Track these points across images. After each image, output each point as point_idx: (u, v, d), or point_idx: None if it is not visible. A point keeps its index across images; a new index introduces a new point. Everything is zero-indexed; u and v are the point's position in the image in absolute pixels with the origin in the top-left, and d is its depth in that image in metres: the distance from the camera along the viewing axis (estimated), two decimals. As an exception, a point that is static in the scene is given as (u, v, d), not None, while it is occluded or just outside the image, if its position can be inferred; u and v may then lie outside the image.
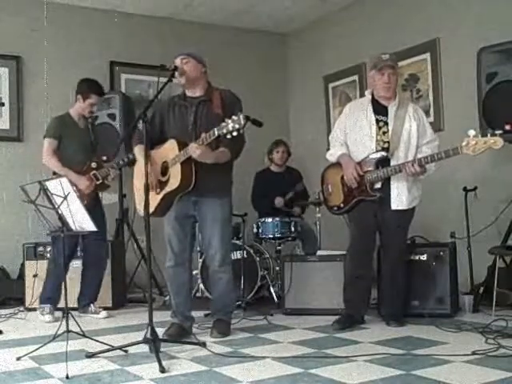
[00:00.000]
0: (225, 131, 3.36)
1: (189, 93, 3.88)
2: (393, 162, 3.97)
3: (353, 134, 4.13)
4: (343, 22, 6.41)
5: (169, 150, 3.73)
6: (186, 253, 3.90)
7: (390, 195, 4.01)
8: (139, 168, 3.84)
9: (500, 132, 3.54)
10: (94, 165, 4.69)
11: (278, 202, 5.60)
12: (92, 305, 4.74)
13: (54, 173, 4.59)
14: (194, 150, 3.53)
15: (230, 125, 3.32)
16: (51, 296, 4.61)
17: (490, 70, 4.31)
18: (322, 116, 6.72)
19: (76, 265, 4.98)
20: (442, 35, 5.37)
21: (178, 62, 3.78)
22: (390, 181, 4.01)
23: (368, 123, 4.07)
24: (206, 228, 3.84)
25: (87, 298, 4.77)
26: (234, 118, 3.33)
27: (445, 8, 5.35)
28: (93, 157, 4.76)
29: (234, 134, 3.34)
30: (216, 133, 3.42)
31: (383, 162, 3.99)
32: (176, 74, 3.72)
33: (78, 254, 4.86)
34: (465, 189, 4.82)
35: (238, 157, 3.85)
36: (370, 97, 4.17)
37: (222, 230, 3.82)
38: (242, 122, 3.30)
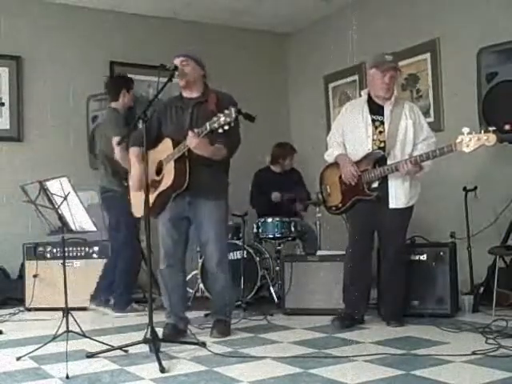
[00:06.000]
0: (216, 125, 3.36)
1: (186, 94, 3.89)
2: (389, 161, 3.98)
3: (350, 135, 4.14)
4: (343, 22, 6.40)
5: (164, 149, 3.73)
6: (179, 254, 3.88)
7: (387, 194, 4.02)
8: (134, 171, 3.86)
9: (493, 128, 3.53)
10: None
11: (275, 196, 5.59)
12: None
13: None
14: (191, 139, 3.52)
15: (222, 118, 3.33)
16: None
17: (490, 69, 4.31)
18: (322, 116, 6.71)
19: (77, 265, 5.01)
20: (441, 35, 5.37)
21: (177, 63, 3.78)
22: (387, 180, 4.01)
23: (364, 123, 4.08)
24: (201, 229, 3.83)
25: None
26: (225, 111, 3.34)
27: (445, 8, 5.35)
28: None
29: (226, 127, 3.35)
30: (208, 127, 3.43)
31: (380, 161, 4.00)
32: (176, 74, 3.72)
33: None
34: (465, 189, 4.82)
35: (233, 155, 3.84)
36: (366, 97, 4.17)
37: (217, 230, 3.81)
38: (233, 115, 3.31)
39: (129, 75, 5.20)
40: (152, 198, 3.71)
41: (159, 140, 3.81)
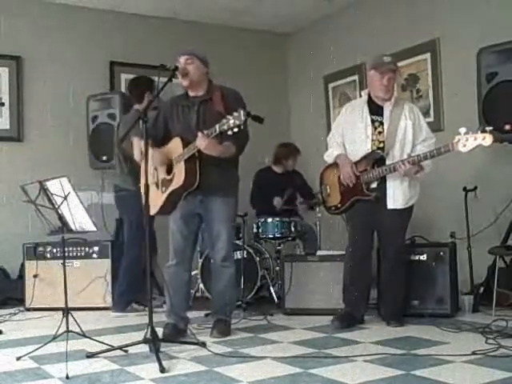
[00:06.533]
0: (226, 127, 3.38)
1: (191, 92, 3.89)
2: (388, 162, 3.98)
3: (349, 135, 4.15)
4: (343, 22, 6.41)
5: (173, 148, 3.76)
6: (188, 252, 3.90)
7: (385, 195, 4.02)
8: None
9: (490, 128, 3.52)
10: None
11: (277, 202, 5.58)
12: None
13: None
14: (201, 140, 3.53)
15: (231, 121, 3.35)
16: None
17: (490, 69, 4.31)
18: (322, 116, 6.71)
19: (77, 265, 5.01)
20: (441, 35, 5.36)
21: (182, 61, 3.78)
22: (386, 180, 4.01)
23: (364, 124, 4.08)
24: (213, 224, 3.85)
25: None
26: (234, 114, 3.35)
27: (445, 8, 5.35)
28: None
29: (235, 130, 3.36)
30: (217, 129, 3.44)
31: (379, 162, 4.00)
32: (177, 74, 3.72)
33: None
34: (465, 189, 4.82)
35: (242, 152, 3.87)
36: (366, 97, 4.18)
37: (228, 227, 3.86)
38: (243, 118, 3.32)
39: (129, 75, 5.16)
40: (163, 196, 3.77)
41: (167, 139, 3.84)
